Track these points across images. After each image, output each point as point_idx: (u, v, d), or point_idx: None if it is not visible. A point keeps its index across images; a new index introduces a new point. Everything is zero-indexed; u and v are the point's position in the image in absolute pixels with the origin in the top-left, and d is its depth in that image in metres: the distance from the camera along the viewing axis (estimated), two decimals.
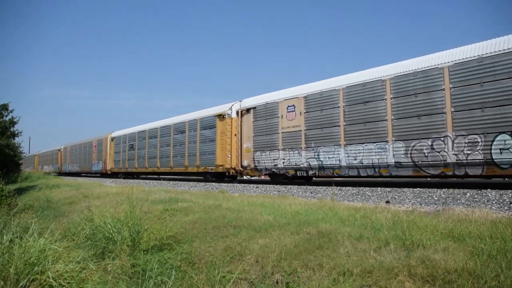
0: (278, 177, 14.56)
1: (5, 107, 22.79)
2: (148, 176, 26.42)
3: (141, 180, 22.24)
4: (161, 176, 23.26)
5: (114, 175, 29.49)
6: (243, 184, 14.88)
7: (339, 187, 10.70)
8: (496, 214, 5.20)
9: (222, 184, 15.60)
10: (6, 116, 23.04)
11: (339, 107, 12.10)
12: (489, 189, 8.11)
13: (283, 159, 13.80)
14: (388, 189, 9.60)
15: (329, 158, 12.19)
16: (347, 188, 10.48)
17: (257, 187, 12.98)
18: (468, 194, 7.85)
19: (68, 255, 3.66)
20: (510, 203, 6.62)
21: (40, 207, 9.03)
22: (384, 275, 3.08)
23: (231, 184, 15.44)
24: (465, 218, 4.66)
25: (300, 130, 13.22)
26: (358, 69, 13.45)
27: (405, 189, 9.25)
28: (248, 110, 15.65)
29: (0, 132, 22.41)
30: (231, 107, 16.81)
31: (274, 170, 14.28)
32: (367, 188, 9.93)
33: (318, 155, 12.59)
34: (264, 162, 14.64)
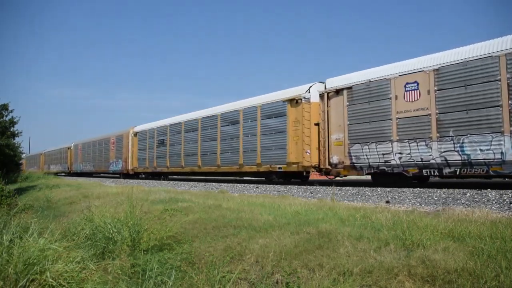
0: (388, 178, 11.10)
1: (5, 107, 22.79)
2: (184, 177, 22.51)
3: (141, 180, 22.21)
4: (203, 177, 20.25)
5: (137, 175, 25.74)
6: (243, 184, 14.86)
7: (339, 187, 10.70)
8: (496, 214, 5.20)
9: (222, 184, 15.58)
10: (6, 116, 23.06)
11: (499, 80, 8.81)
12: (489, 189, 8.11)
13: (400, 153, 10.58)
14: (388, 189, 9.60)
15: (481, 150, 9.04)
16: (347, 188, 10.48)
17: (257, 187, 12.98)
18: (468, 194, 7.85)
19: (68, 255, 3.66)
20: (510, 203, 6.62)
21: (40, 207, 9.04)
22: (384, 275, 3.08)
23: (231, 184, 15.39)
24: (465, 218, 4.66)
25: (428, 114, 10.03)
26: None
27: (405, 189, 9.25)
28: (338, 92, 12.26)
29: (0, 132, 22.41)
30: (309, 89, 13.30)
31: (384, 168, 10.97)
32: (367, 188, 9.92)
33: (461, 146, 9.46)
34: (367, 158, 11.32)
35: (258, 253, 3.95)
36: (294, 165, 13.40)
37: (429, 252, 3.33)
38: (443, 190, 8.61)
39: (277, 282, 3.45)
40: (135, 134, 25.66)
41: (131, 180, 22.91)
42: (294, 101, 13.60)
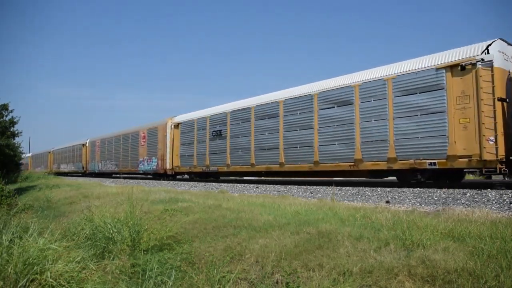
0: None
1: (5, 107, 22.81)
2: (254, 178, 18.32)
3: (141, 181, 22.20)
4: (284, 178, 16.19)
5: (174, 176, 21.27)
6: (243, 184, 14.85)
7: (339, 187, 10.70)
8: (496, 214, 5.20)
9: (222, 184, 15.56)
10: (6, 116, 23.08)
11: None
12: (489, 189, 8.11)
13: None
14: (388, 189, 9.60)
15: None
16: (347, 188, 10.48)
17: (257, 187, 12.97)
18: (468, 194, 7.85)
19: (68, 255, 3.66)
20: (510, 203, 6.62)
21: (40, 207, 9.04)
22: (384, 275, 3.08)
23: (230, 184, 15.33)
24: (465, 218, 4.66)
25: None
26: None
27: (405, 189, 9.25)
28: None
29: (0, 132, 22.42)
30: (487, 49, 9.16)
31: None
32: (367, 188, 9.92)
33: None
34: None
35: (258, 253, 3.95)
36: (463, 159, 9.29)
37: (429, 252, 3.33)
38: (443, 190, 8.61)
39: (277, 282, 3.45)
40: (176, 125, 20.24)
41: (131, 180, 22.89)
42: (458, 68, 9.52)
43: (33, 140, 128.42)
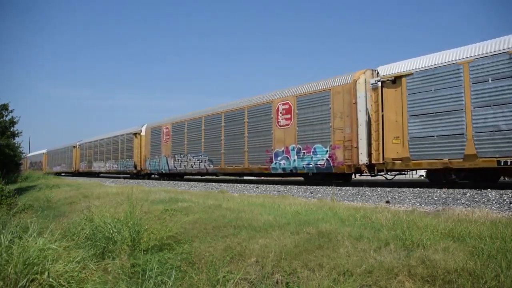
0: None
1: (5, 107, 22.83)
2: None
3: (141, 181, 22.19)
4: None
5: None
6: (243, 184, 14.86)
7: (339, 187, 10.70)
8: (496, 214, 5.20)
9: (222, 184, 15.57)
10: (6, 116, 23.10)
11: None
12: (489, 189, 8.11)
13: None
14: (388, 189, 9.60)
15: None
16: (347, 188, 10.48)
17: (257, 187, 12.97)
18: (468, 194, 7.85)
19: (68, 255, 3.66)
20: (510, 203, 6.62)
21: (40, 207, 9.04)
22: (384, 275, 3.08)
23: (231, 184, 15.37)
24: (465, 218, 4.66)
25: None
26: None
27: (405, 189, 9.25)
28: None
29: (0, 132, 22.43)
30: None
31: None
32: (367, 188, 9.92)
33: None
34: None
35: (258, 253, 3.95)
36: None
37: (429, 252, 3.33)
38: (443, 190, 8.61)
39: (277, 282, 3.45)
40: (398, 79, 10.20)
41: (131, 180, 22.87)
42: None
43: (33, 140, 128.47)
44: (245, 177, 19.33)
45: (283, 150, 13.38)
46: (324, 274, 3.26)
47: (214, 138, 17.01)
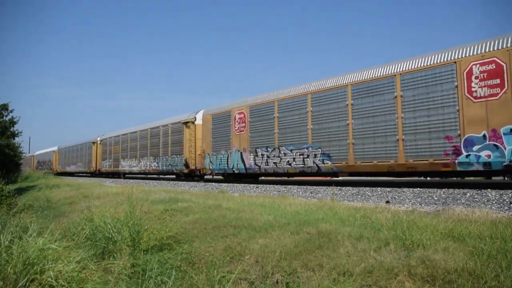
0: None
1: (5, 107, 22.84)
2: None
3: (140, 180, 22.17)
4: None
5: None
6: (243, 184, 14.85)
7: (339, 187, 10.70)
8: (496, 214, 5.20)
9: (222, 184, 15.56)
10: (6, 116, 23.10)
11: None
12: (489, 189, 8.11)
13: None
14: (388, 189, 9.60)
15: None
16: (347, 188, 10.48)
17: (257, 187, 12.97)
18: (468, 194, 7.85)
19: (68, 255, 3.65)
20: (510, 203, 6.62)
21: (40, 207, 9.03)
22: (384, 275, 3.08)
23: (231, 184, 15.33)
24: (465, 218, 4.66)
25: None
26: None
27: (405, 189, 9.25)
28: None
29: (0, 132, 22.43)
30: None
31: None
32: (367, 188, 9.92)
33: None
34: None
35: (258, 253, 3.95)
36: None
37: (429, 252, 3.33)
38: (443, 190, 8.61)
39: (277, 282, 3.45)
40: None
41: (131, 180, 22.84)
42: None
43: (33, 140, 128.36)
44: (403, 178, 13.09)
45: (484, 135, 8.62)
46: (324, 274, 3.26)
47: (332, 122, 11.79)
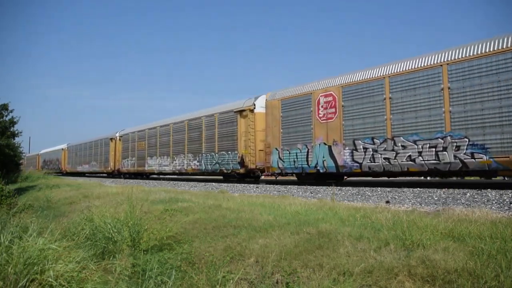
0: None
1: (5, 107, 22.81)
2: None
3: (141, 181, 22.15)
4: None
5: None
6: (243, 184, 14.84)
7: (339, 187, 10.70)
8: (496, 214, 5.20)
9: (222, 184, 15.54)
10: (6, 116, 23.07)
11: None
12: (489, 189, 8.11)
13: None
14: (388, 189, 9.60)
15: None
16: (347, 188, 10.48)
17: (257, 187, 12.97)
18: (468, 194, 7.85)
19: (68, 255, 3.66)
20: (510, 203, 6.62)
21: (40, 207, 9.03)
22: (384, 275, 3.08)
23: (231, 184, 15.29)
24: (465, 218, 4.66)
25: None
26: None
27: (405, 189, 9.25)
28: None
29: (0, 132, 22.43)
30: None
31: None
32: (367, 188, 9.92)
33: None
34: None
35: (258, 253, 3.95)
36: None
37: (429, 252, 3.33)
38: (443, 190, 8.61)
39: (277, 282, 3.45)
40: None
41: (131, 180, 22.83)
42: None
43: (33, 140, 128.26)
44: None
45: None
46: (324, 274, 3.26)
47: (492, 101, 8.72)
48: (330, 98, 12.06)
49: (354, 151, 11.15)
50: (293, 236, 4.34)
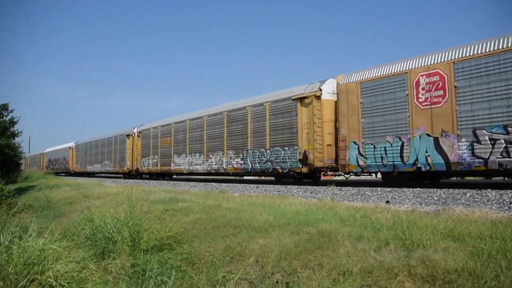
0: None
1: (5, 107, 22.83)
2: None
3: (141, 181, 22.14)
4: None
5: None
6: (243, 184, 14.83)
7: (339, 187, 10.69)
8: (496, 214, 5.20)
9: (222, 184, 15.54)
10: (6, 116, 23.09)
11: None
12: (489, 189, 8.11)
13: None
14: (388, 189, 9.60)
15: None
16: (347, 188, 10.47)
17: (257, 187, 12.97)
18: (468, 194, 7.85)
19: (68, 255, 3.66)
20: (510, 203, 6.62)
21: (40, 207, 9.03)
22: (384, 275, 3.08)
23: (231, 184, 15.30)
24: (465, 218, 4.66)
25: None
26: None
27: (405, 189, 9.25)
28: None
29: (0, 132, 22.44)
30: None
31: None
32: (367, 188, 9.92)
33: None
34: None
35: (258, 253, 3.95)
36: None
37: (429, 252, 3.33)
38: (443, 190, 8.61)
39: (277, 282, 3.45)
40: None
41: (131, 180, 22.83)
42: None
43: (33, 140, 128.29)
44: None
45: None
46: (324, 274, 3.26)
47: None
48: (435, 78, 9.53)
49: (474, 144, 8.76)
50: (293, 236, 4.34)
